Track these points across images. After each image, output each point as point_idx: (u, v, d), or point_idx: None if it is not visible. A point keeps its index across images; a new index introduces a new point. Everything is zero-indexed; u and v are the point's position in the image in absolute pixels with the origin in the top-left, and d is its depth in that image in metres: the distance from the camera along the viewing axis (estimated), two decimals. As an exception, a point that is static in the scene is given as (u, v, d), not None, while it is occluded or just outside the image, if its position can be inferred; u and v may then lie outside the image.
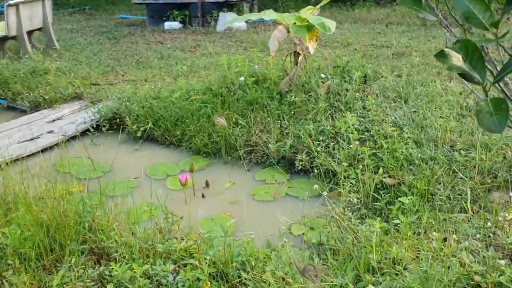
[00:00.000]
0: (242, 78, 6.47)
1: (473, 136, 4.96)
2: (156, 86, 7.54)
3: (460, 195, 4.06)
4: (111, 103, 7.05)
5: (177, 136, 6.17)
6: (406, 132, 5.02)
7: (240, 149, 5.66)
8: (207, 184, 5.04)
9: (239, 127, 5.85)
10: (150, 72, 8.68)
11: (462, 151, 4.56)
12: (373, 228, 3.40)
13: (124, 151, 6.14)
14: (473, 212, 3.83)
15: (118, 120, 6.68)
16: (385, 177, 4.40)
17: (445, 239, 3.31)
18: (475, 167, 4.42)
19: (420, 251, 3.20)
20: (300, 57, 6.36)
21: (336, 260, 3.28)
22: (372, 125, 5.38)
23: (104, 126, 6.59)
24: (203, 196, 4.94)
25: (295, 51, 6.41)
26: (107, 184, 4.29)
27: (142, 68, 9.11)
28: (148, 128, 6.34)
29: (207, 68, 8.68)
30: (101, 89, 7.95)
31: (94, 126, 6.65)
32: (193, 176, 4.95)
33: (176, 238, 3.71)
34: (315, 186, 4.25)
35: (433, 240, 3.20)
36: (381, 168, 4.43)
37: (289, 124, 5.73)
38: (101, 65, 9.38)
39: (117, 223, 3.76)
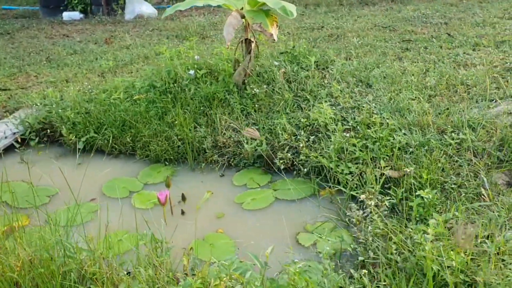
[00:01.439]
0: (191, 72, 5.80)
1: (449, 116, 4.86)
2: (83, 86, 6.56)
3: (469, 180, 3.90)
4: (35, 111, 5.99)
5: (127, 143, 5.37)
6: (388, 118, 4.77)
7: (207, 152, 5.05)
8: (183, 198, 4.39)
9: (203, 127, 5.23)
10: (69, 71, 7.60)
11: (452, 134, 4.42)
12: (414, 232, 3.09)
13: (66, 168, 5.19)
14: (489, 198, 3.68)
15: (48, 130, 5.68)
16: (387, 169, 4.10)
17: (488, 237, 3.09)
18: (468, 149, 4.30)
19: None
20: (253, 45, 5.84)
21: (389, 277, 2.90)
22: (346, 113, 5.08)
23: (32, 139, 5.55)
24: (182, 212, 4.29)
25: (246, 39, 5.87)
26: (60, 212, 3.49)
27: (56, 67, 7.96)
28: (90, 138, 5.45)
29: (135, 62, 7.80)
30: (14, 94, 6.77)
31: (19, 140, 5.58)
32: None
33: (186, 274, 3.08)
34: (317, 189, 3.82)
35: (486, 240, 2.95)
36: (381, 160, 4.12)
37: (257, 120, 5.23)
38: (4, 66, 8.04)
39: (107, 266, 3.03)
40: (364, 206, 3.83)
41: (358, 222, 3.56)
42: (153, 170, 5.07)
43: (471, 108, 4.90)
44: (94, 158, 5.39)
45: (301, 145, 4.68)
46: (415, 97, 5.30)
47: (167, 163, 5.15)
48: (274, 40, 5.27)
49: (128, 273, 3.09)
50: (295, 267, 2.73)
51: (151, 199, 4.50)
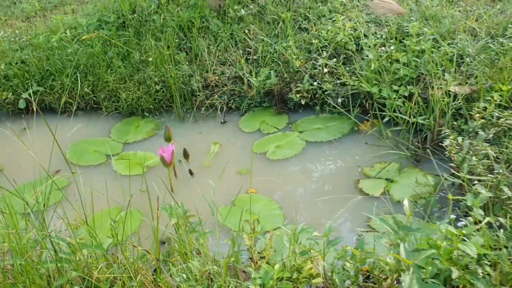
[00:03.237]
0: (155, -2, 4.50)
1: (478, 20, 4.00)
2: (7, 34, 5.02)
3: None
4: None
5: (86, 96, 4.07)
6: (420, 28, 3.82)
7: (198, 94, 3.88)
8: (185, 155, 3.25)
9: (184, 64, 4.01)
10: (-18, 19, 5.92)
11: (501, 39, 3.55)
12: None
13: (7, 136, 3.84)
14: None
15: (-28, 91, 4.21)
16: (453, 85, 3.17)
17: None
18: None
19: None
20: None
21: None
22: (367, 29, 4.06)
23: (-49, 105, 4.09)
24: (191, 173, 3.16)
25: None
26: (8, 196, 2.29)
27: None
28: (34, 93, 4.08)
29: (67, 3, 6.24)
30: None
31: None
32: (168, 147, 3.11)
33: (251, 260, 2.03)
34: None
35: None
36: (446, 75, 3.19)
37: (254, 48, 4.09)
38: None
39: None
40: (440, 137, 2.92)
41: (453, 156, 2.63)
42: (128, 125, 3.84)
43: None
44: (43, 119, 4.04)
45: (325, 70, 3.64)
46: (437, 4, 4.37)
47: (146, 114, 3.93)
48: None
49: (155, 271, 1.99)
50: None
51: (139, 162, 3.32)
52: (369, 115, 3.46)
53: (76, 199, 2.91)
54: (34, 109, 4.12)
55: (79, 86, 4.03)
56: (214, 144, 3.45)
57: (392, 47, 3.57)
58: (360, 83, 3.43)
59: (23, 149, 3.65)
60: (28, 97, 4.08)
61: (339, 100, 3.49)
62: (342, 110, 3.48)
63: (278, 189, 2.95)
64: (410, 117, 3.14)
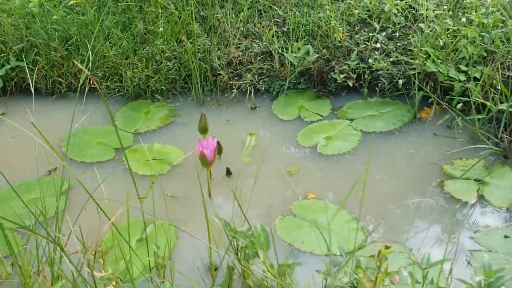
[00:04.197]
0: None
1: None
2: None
3: None
4: None
5: (81, 73, 3.33)
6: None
7: (221, 73, 3.22)
8: (219, 149, 2.60)
9: (203, 35, 3.33)
10: None
11: None
12: None
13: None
14: None
15: None
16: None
17: None
18: None
19: None
20: None
21: None
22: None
23: None
24: (228, 173, 2.53)
25: None
26: None
27: None
28: (11, 70, 3.32)
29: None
30: None
31: None
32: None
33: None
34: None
35: None
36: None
37: (283, 19, 3.44)
38: None
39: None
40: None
41: None
42: (136, 111, 3.14)
43: None
44: (26, 102, 3.30)
45: (377, 45, 3.05)
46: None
47: (157, 97, 3.24)
48: None
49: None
50: None
51: (160, 157, 2.66)
52: (431, 100, 2.90)
53: (86, 209, 2.26)
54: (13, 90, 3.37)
55: (68, 63, 3.29)
56: (250, 136, 2.82)
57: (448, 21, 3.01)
58: (425, 62, 2.86)
59: (5, 141, 2.91)
60: (5, 75, 3.31)
61: (400, 81, 2.90)
62: (402, 92, 2.92)
63: (342, 193, 2.37)
64: (494, 104, 2.60)
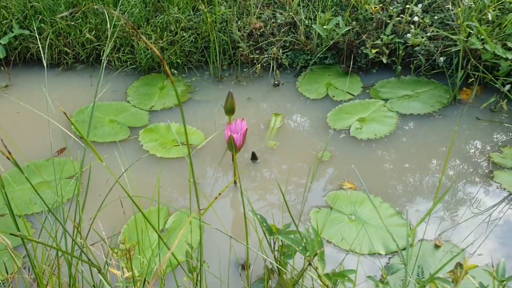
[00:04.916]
0: None
1: None
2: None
3: None
4: None
5: (89, 43, 3.07)
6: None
7: (240, 46, 2.96)
8: (243, 131, 2.37)
9: (223, 3, 3.06)
10: None
11: None
12: None
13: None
14: None
15: None
16: None
17: None
18: None
19: None
20: None
21: None
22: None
23: None
24: (254, 157, 2.31)
25: None
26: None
27: None
28: (14, 38, 3.06)
29: None
30: None
31: None
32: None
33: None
34: None
35: None
36: None
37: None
38: None
39: None
40: None
41: None
42: (149, 86, 2.90)
43: None
44: (30, 74, 3.06)
45: (415, 19, 2.79)
46: None
47: (172, 71, 2.99)
48: None
49: None
50: None
51: (178, 137, 2.44)
52: (471, 80, 2.66)
53: (100, 194, 2.07)
54: (17, 60, 3.12)
55: (76, 32, 3.02)
56: (275, 116, 2.59)
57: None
58: (467, 38, 2.60)
59: (9, 117, 2.70)
60: (8, 44, 3.06)
61: (441, 59, 2.65)
62: (439, 71, 2.68)
63: (382, 183, 2.16)
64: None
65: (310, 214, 1.99)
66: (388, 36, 2.80)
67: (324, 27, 2.83)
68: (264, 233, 1.64)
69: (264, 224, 1.66)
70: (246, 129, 1.97)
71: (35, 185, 2.18)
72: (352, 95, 2.75)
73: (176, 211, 2.05)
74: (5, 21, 3.05)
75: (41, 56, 3.09)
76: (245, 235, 1.48)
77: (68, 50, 3.09)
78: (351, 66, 2.94)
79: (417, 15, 2.83)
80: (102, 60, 2.57)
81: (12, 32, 3.03)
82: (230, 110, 2.12)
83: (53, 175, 2.25)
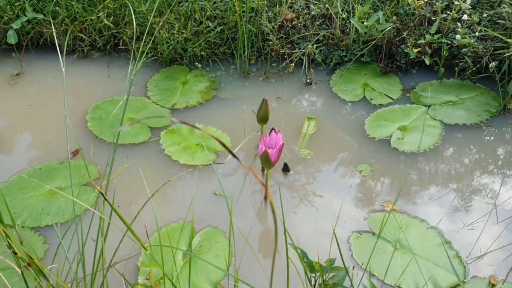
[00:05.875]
0: None
1: None
2: None
3: None
4: None
5: (107, 30, 2.86)
6: None
7: (269, 39, 2.73)
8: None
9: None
10: None
11: None
12: None
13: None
14: None
15: None
16: None
17: None
18: None
19: None
20: None
21: None
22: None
23: None
24: (286, 169, 2.12)
25: None
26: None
27: None
28: (27, 23, 2.85)
29: None
30: None
31: None
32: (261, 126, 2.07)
33: None
34: None
35: None
36: None
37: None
38: None
39: None
40: None
41: None
42: (171, 80, 2.69)
43: None
44: (44, 61, 2.86)
45: (464, 17, 2.54)
46: None
47: (196, 65, 2.78)
48: None
49: None
50: None
51: (203, 141, 2.24)
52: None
53: (119, 206, 1.90)
54: (29, 46, 2.92)
55: (92, 18, 2.81)
56: (308, 120, 2.38)
57: None
58: (524, 41, 2.36)
59: (19, 110, 2.52)
60: (20, 28, 2.85)
61: (493, 64, 2.42)
62: (490, 74, 2.45)
63: (429, 205, 1.96)
64: None
65: (351, 241, 1.81)
66: (434, 35, 2.56)
67: (365, 23, 2.59)
68: (305, 270, 1.46)
69: (305, 260, 1.49)
70: (283, 143, 1.77)
71: (48, 192, 2.01)
72: (392, 99, 2.53)
73: (201, 228, 1.87)
74: (18, 3, 2.83)
75: (55, 42, 2.89)
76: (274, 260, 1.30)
77: (84, 36, 2.88)
78: (389, 65, 2.71)
79: (465, 12, 2.59)
80: (138, 54, 2.36)
81: (25, 15, 2.81)
82: (263, 119, 1.93)
83: (69, 180, 2.08)
